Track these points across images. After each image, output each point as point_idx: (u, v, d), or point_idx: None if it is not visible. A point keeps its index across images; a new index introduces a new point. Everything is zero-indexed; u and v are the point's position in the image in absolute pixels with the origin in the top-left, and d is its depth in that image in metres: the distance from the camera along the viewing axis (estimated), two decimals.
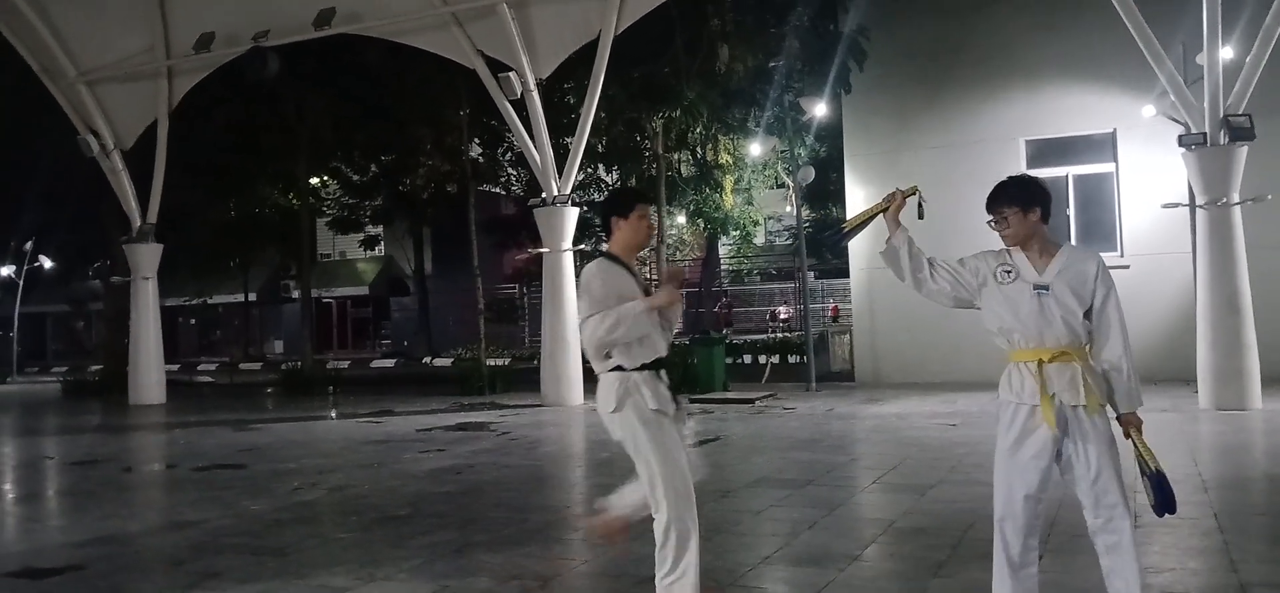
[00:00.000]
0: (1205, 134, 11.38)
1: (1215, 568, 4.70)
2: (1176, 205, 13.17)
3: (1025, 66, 15.89)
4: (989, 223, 3.86)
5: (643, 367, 3.99)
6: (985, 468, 7.62)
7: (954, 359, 15.91)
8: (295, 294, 32.51)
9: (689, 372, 15.69)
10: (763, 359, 17.19)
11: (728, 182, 21.56)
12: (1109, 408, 3.61)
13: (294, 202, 26.83)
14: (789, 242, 32.51)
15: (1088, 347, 3.64)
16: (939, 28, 16.43)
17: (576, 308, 4.58)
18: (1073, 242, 14.23)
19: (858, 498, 6.95)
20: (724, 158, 21.28)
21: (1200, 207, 11.55)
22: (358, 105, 23.77)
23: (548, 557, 5.50)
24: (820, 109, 16.80)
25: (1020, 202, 3.72)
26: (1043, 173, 15.96)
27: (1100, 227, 15.61)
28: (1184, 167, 11.83)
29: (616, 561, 5.35)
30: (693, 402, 14.17)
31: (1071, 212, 15.83)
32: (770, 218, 32.41)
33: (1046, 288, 3.64)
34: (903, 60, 16.72)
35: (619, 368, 4.00)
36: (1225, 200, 11.31)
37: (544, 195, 15.24)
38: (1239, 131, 11.25)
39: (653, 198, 13.86)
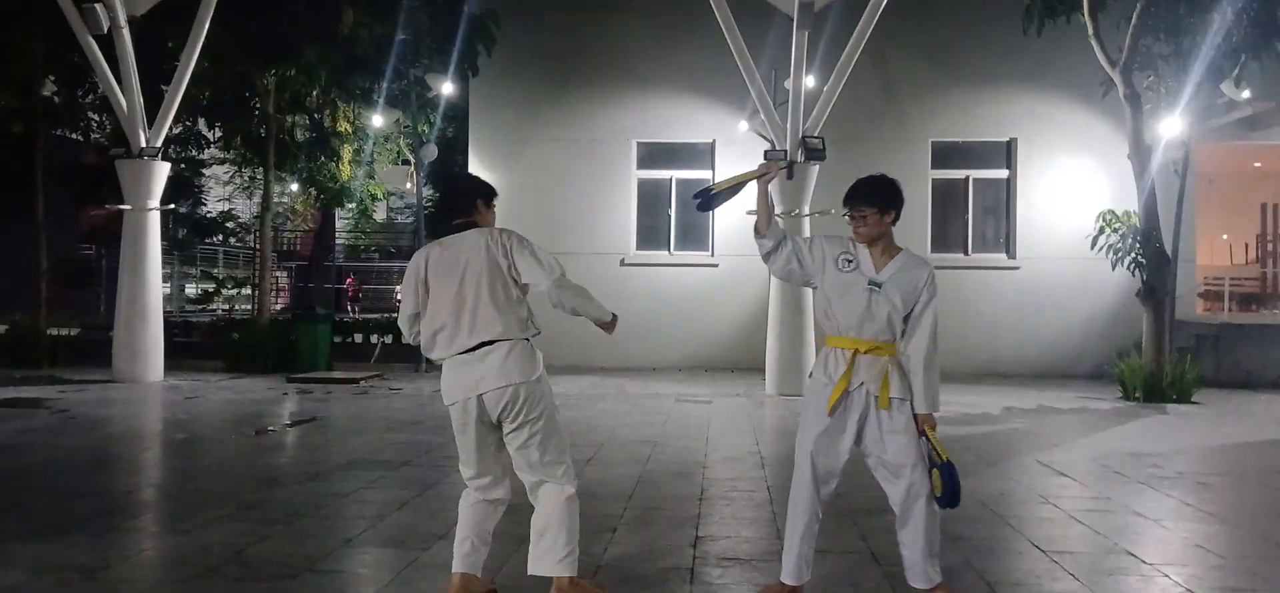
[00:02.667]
0: (785, 151, 12.71)
1: (763, 536, 5.20)
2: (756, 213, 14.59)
3: (641, 74, 16.84)
4: (844, 216, 3.99)
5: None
6: (575, 447, 7.91)
7: (561, 343, 16.46)
8: None
9: (289, 350, 14.87)
10: (374, 339, 16.69)
11: (346, 151, 20.69)
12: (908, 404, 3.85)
13: None
14: (411, 220, 31.95)
15: (897, 343, 3.87)
16: (567, 26, 16.95)
17: (529, 263, 3.97)
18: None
19: (454, 477, 6.90)
20: (343, 126, 20.38)
21: (777, 216, 12.85)
22: None
23: (98, 547, 4.88)
24: (447, 88, 16.61)
25: (880, 203, 3.90)
26: (650, 175, 17.04)
27: (696, 229, 16.95)
28: None
29: (178, 548, 4.88)
30: (291, 381, 13.44)
31: (672, 212, 17.03)
32: (393, 194, 31.63)
33: (880, 285, 3.85)
34: (532, 53, 17.04)
35: (532, 336, 3.95)
36: (798, 211, 12.70)
37: (130, 146, 13.67)
38: (813, 152, 12.69)
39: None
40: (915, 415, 3.85)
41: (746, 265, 16.22)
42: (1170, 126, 12.99)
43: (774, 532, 5.29)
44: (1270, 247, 19.44)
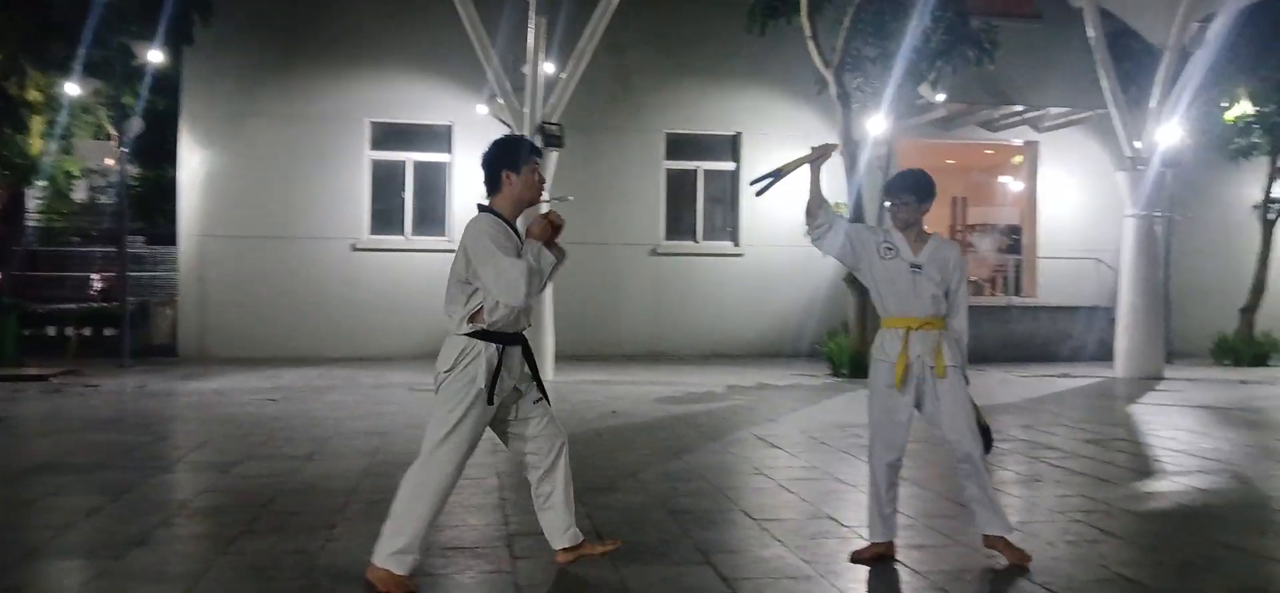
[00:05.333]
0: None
1: (491, 522, 5.15)
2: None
3: (373, 51, 16.23)
4: (886, 206, 4.47)
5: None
6: (296, 442, 7.60)
7: (287, 334, 15.66)
8: None
9: None
10: (70, 331, 15.12)
11: (37, 123, 18.53)
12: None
13: None
14: (114, 201, 29.13)
15: (944, 318, 4.33)
16: None
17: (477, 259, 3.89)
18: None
19: (154, 479, 6.36)
20: (34, 95, 18.24)
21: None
22: None
23: None
24: (156, 57, 15.26)
25: (918, 194, 4.39)
26: (384, 157, 16.50)
27: (434, 214, 16.59)
28: None
29: None
30: None
31: (408, 196, 16.58)
32: (94, 172, 28.73)
33: (920, 267, 4.32)
34: (252, 23, 15.99)
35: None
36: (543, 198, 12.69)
37: None
38: (551, 138, 12.74)
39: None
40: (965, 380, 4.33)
41: None
42: (876, 125, 14.10)
43: (502, 518, 5.25)
44: (960, 236, 21.61)
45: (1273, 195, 17.10)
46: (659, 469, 6.62)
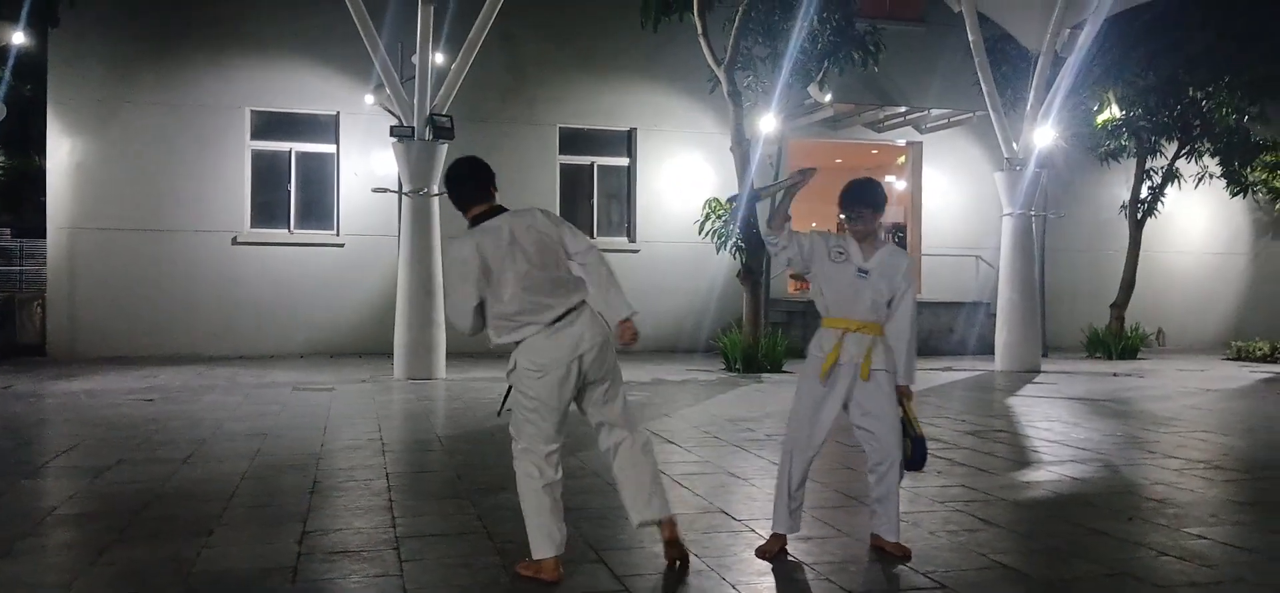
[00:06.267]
0: (413, 128, 12.43)
1: (378, 525, 5.01)
2: (386, 191, 14.21)
3: (256, 37, 15.70)
4: (842, 218, 4.56)
5: None
6: (173, 444, 7.29)
7: (164, 332, 15.05)
8: None
9: None
10: None
11: None
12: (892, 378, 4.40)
13: None
14: None
15: (883, 324, 4.44)
16: None
17: (570, 234, 4.21)
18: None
19: (20, 486, 6.01)
20: None
21: (405, 194, 12.59)
22: None
23: None
24: (18, 38, 14.41)
25: (874, 205, 4.51)
26: (267, 147, 16.00)
27: (320, 205, 16.15)
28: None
29: None
30: None
31: (293, 188, 16.08)
32: None
33: (867, 273, 4.44)
34: (124, 5, 15.32)
35: None
36: (427, 191, 12.49)
37: None
38: (441, 130, 12.53)
39: None
40: (898, 385, 4.42)
41: (375, 245, 15.72)
42: (767, 123, 14.31)
43: (390, 519, 5.12)
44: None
45: (1140, 196, 18.04)
46: None
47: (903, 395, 4.45)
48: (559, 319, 4.02)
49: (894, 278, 4.47)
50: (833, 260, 4.50)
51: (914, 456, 4.43)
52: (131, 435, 7.73)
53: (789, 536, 4.53)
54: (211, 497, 5.62)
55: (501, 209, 4.18)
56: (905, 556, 4.43)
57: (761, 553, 4.49)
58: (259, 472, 6.37)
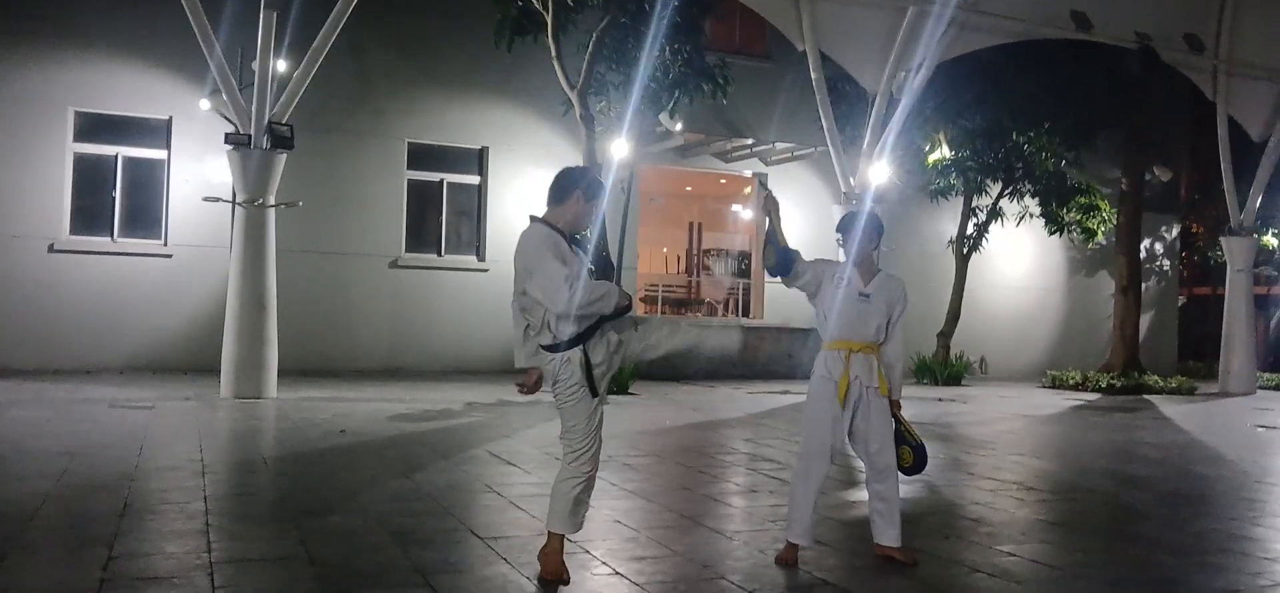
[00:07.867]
0: (250, 136, 11.92)
1: (190, 550, 4.73)
2: (218, 200, 13.57)
3: (82, 32, 14.78)
4: (838, 243, 4.95)
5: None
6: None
7: None
8: None
9: None
10: None
11: None
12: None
13: None
14: None
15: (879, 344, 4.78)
16: None
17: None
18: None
19: None
20: None
21: (239, 204, 12.04)
22: None
23: None
24: None
25: (876, 234, 4.85)
26: (92, 149, 15.08)
27: (148, 213, 15.29)
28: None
29: None
30: None
31: (118, 193, 15.17)
32: None
33: (868, 296, 4.76)
34: None
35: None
36: (262, 201, 11.97)
37: None
38: (280, 139, 12.05)
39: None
40: (892, 399, 4.81)
41: (205, 257, 14.98)
42: (619, 148, 14.42)
43: (205, 544, 4.85)
44: (696, 259, 22.54)
45: (966, 232, 19.10)
46: (385, 490, 6.37)
47: (896, 408, 4.88)
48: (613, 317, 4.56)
49: (892, 301, 4.84)
50: (835, 285, 4.82)
51: (916, 461, 4.86)
52: None
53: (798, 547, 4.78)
54: (6, 519, 5.19)
55: (533, 218, 4.39)
56: (913, 563, 4.74)
57: (781, 561, 4.74)
58: (64, 493, 5.93)
